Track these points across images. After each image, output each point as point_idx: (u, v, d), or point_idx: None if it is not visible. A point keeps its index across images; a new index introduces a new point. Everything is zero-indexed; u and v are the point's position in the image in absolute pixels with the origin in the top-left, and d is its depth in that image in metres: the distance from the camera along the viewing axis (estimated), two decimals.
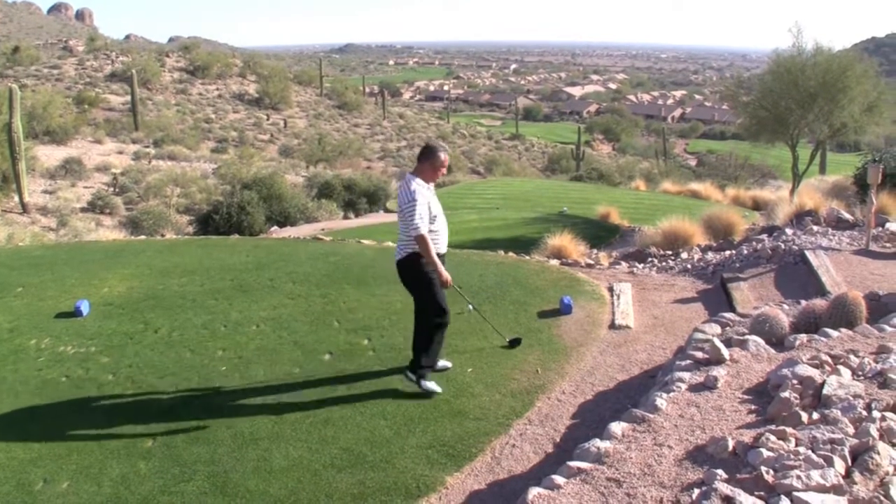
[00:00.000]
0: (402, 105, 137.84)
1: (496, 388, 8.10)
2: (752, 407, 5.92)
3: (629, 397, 7.87)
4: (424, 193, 7.81)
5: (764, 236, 15.78)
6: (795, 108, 25.00)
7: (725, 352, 6.90)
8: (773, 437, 4.98)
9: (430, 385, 8.03)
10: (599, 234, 21.68)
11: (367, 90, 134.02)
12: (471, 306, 9.51)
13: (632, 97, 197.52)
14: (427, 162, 7.87)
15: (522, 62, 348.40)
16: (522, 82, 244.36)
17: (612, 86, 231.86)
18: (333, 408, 7.69)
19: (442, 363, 8.53)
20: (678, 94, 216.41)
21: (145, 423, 7.53)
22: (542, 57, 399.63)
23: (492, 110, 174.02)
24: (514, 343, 9.29)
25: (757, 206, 33.43)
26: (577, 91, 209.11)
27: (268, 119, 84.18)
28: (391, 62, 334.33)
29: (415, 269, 7.98)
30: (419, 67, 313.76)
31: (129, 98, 69.82)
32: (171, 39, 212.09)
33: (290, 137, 77.72)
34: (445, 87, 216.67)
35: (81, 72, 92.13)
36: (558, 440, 7.10)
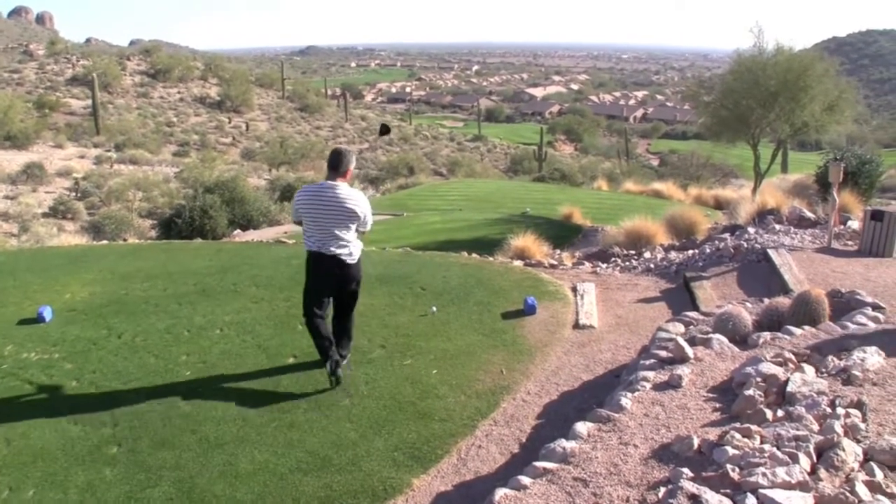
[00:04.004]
0: (365, 107, 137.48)
1: (461, 389, 8.08)
2: (717, 405, 5.94)
3: (594, 396, 7.86)
4: None
5: (726, 235, 15.88)
6: (757, 108, 25.18)
7: (689, 350, 6.93)
8: (738, 435, 4.99)
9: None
10: (562, 234, 21.67)
11: (329, 92, 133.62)
12: (434, 308, 9.70)
13: (594, 97, 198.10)
14: (343, 169, 8.24)
15: (484, 63, 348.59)
16: (484, 83, 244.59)
17: (574, 86, 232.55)
18: (298, 411, 7.63)
19: None
20: (640, 94, 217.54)
21: (110, 428, 7.41)
22: (503, 58, 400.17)
23: (454, 112, 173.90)
24: (384, 130, 10.12)
25: (719, 205, 33.61)
26: (538, 92, 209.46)
27: (229, 122, 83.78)
28: (353, 64, 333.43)
29: (361, 269, 8.56)
30: (381, 69, 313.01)
31: (90, 102, 69.21)
32: (132, 42, 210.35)
33: (252, 140, 77.39)
34: (407, 89, 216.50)
35: (42, 76, 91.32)
36: (524, 440, 7.09)
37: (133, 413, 7.72)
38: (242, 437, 7.15)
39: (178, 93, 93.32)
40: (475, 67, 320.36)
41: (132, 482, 6.46)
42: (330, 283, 8.40)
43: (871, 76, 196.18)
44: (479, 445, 6.99)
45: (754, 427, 5.14)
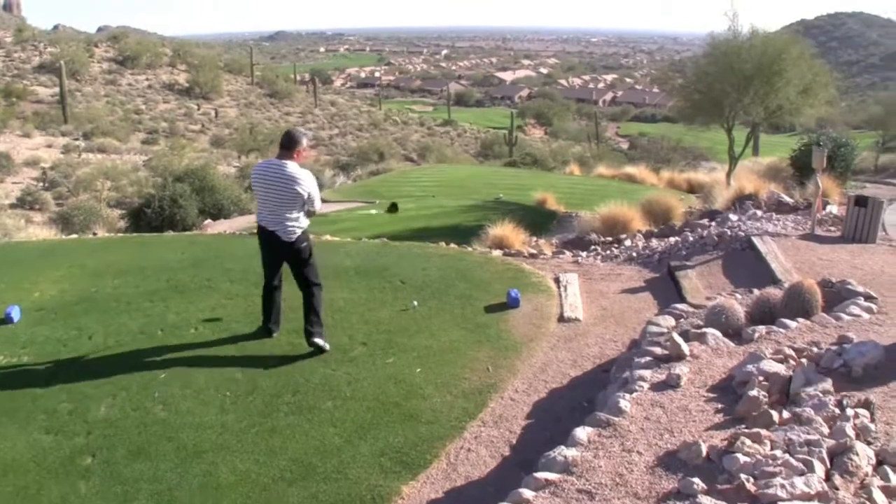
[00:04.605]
0: (334, 92, 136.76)
1: (447, 388, 7.82)
2: (719, 405, 5.74)
3: (584, 394, 7.67)
4: None
5: (706, 221, 15.73)
6: (731, 91, 25.02)
7: (685, 347, 6.72)
8: (748, 441, 4.77)
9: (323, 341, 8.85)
10: (537, 220, 21.44)
11: (299, 78, 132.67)
12: (415, 302, 9.88)
13: (563, 81, 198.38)
14: (293, 149, 8.54)
15: (453, 48, 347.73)
16: (454, 68, 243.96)
17: (544, 70, 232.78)
18: (279, 415, 7.32)
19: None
20: (609, 77, 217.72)
21: (84, 437, 7.05)
22: (473, 42, 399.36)
23: (423, 96, 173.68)
24: (393, 208, 9.65)
25: (692, 188, 33.57)
26: (508, 76, 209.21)
27: (198, 109, 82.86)
28: (322, 49, 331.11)
29: (305, 244, 8.77)
30: (350, 54, 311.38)
31: (57, 90, 68.16)
32: (99, 29, 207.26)
33: (222, 127, 76.57)
34: (377, 74, 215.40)
35: (9, 63, 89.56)
36: (514, 442, 6.86)
37: (107, 420, 7.36)
38: (222, 444, 6.83)
39: (147, 80, 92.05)
40: (444, 52, 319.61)
41: (108, 496, 6.14)
42: (273, 257, 8.90)
43: (840, 58, 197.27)
44: (469, 448, 6.74)
45: (764, 432, 4.93)
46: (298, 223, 8.61)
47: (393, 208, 9.98)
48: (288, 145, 8.53)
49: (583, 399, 7.58)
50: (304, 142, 8.67)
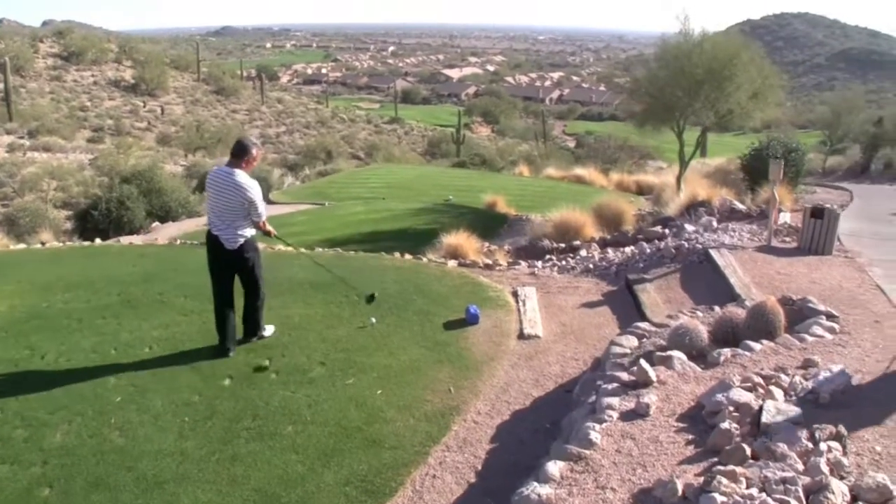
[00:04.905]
0: (280, 89, 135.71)
1: (409, 411, 7.70)
2: (689, 436, 5.69)
3: (547, 416, 7.62)
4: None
5: (659, 228, 15.76)
6: (682, 96, 25.09)
7: (653, 373, 6.66)
8: (724, 480, 4.70)
9: (268, 330, 9.59)
10: (488, 224, 21.38)
11: (245, 74, 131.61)
12: (373, 319, 9.87)
13: (510, 79, 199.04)
14: (242, 157, 8.76)
15: (400, 44, 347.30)
16: (401, 65, 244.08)
17: (491, 68, 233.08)
18: (240, 441, 7.14)
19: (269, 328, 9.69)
20: (556, 75, 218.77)
21: (40, 466, 6.79)
22: (419, 39, 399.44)
23: (370, 93, 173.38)
24: (370, 299, 10.10)
25: (641, 190, 33.81)
26: (455, 73, 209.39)
27: (144, 106, 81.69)
28: (268, 45, 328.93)
29: (249, 250, 8.95)
30: (297, 50, 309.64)
31: (1, 87, 66.87)
32: (44, 23, 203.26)
33: (168, 125, 75.63)
34: (323, 70, 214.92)
35: None
36: (479, 467, 6.78)
37: (63, 448, 7.10)
38: (183, 474, 6.62)
39: (92, 76, 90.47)
40: (391, 49, 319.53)
41: None
42: (220, 265, 8.98)
43: (785, 58, 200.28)
44: (434, 475, 6.65)
45: (739, 469, 4.86)
46: (243, 231, 8.82)
47: (370, 298, 9.86)
48: (237, 153, 8.78)
49: (546, 421, 7.52)
50: (254, 151, 8.88)
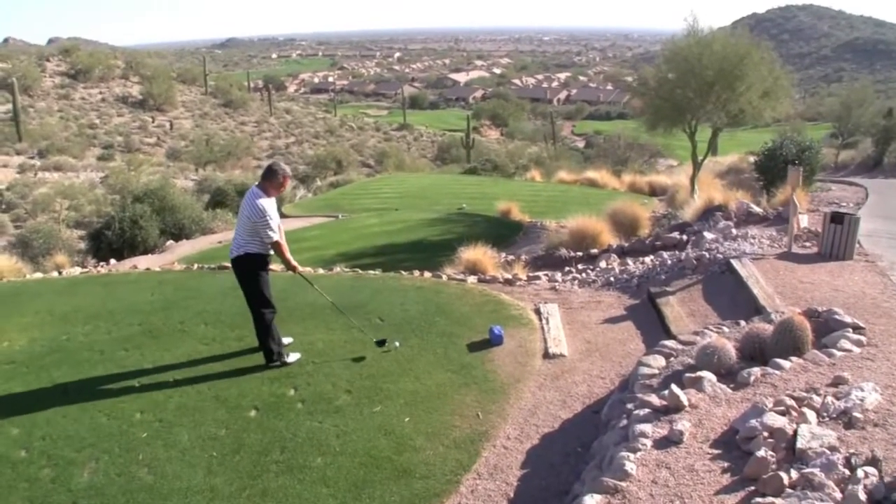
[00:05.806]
0: (288, 99, 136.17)
1: (438, 438, 7.68)
2: (724, 464, 5.64)
3: (577, 438, 7.59)
4: (273, 207, 9.23)
5: (676, 234, 15.70)
6: (693, 98, 24.95)
7: (684, 398, 6.61)
8: None
9: (292, 357, 9.63)
10: (503, 232, 21.33)
11: (252, 85, 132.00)
12: (397, 343, 9.91)
13: (517, 81, 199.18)
14: (269, 181, 9.22)
15: (406, 50, 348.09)
16: (407, 70, 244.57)
17: (497, 70, 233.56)
18: (269, 475, 7.13)
19: (286, 339, 9.96)
20: (562, 76, 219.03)
21: None
22: (425, 44, 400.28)
23: (377, 100, 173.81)
24: (381, 343, 9.87)
25: (654, 191, 33.75)
26: (461, 77, 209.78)
27: (153, 121, 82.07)
28: (274, 55, 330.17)
29: (249, 266, 9.26)
30: (302, 59, 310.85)
31: (10, 107, 67.00)
32: (50, 41, 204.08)
33: (177, 139, 76.00)
34: (330, 79, 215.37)
35: None
36: (511, 495, 6.77)
37: (92, 488, 7.11)
38: None
39: (100, 93, 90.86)
40: (397, 54, 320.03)
41: None
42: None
43: (791, 51, 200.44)
44: None
45: (778, 501, 4.83)
46: (247, 248, 9.18)
47: (381, 343, 9.83)
48: (264, 176, 9.27)
49: (576, 444, 7.49)
50: (280, 178, 9.26)
